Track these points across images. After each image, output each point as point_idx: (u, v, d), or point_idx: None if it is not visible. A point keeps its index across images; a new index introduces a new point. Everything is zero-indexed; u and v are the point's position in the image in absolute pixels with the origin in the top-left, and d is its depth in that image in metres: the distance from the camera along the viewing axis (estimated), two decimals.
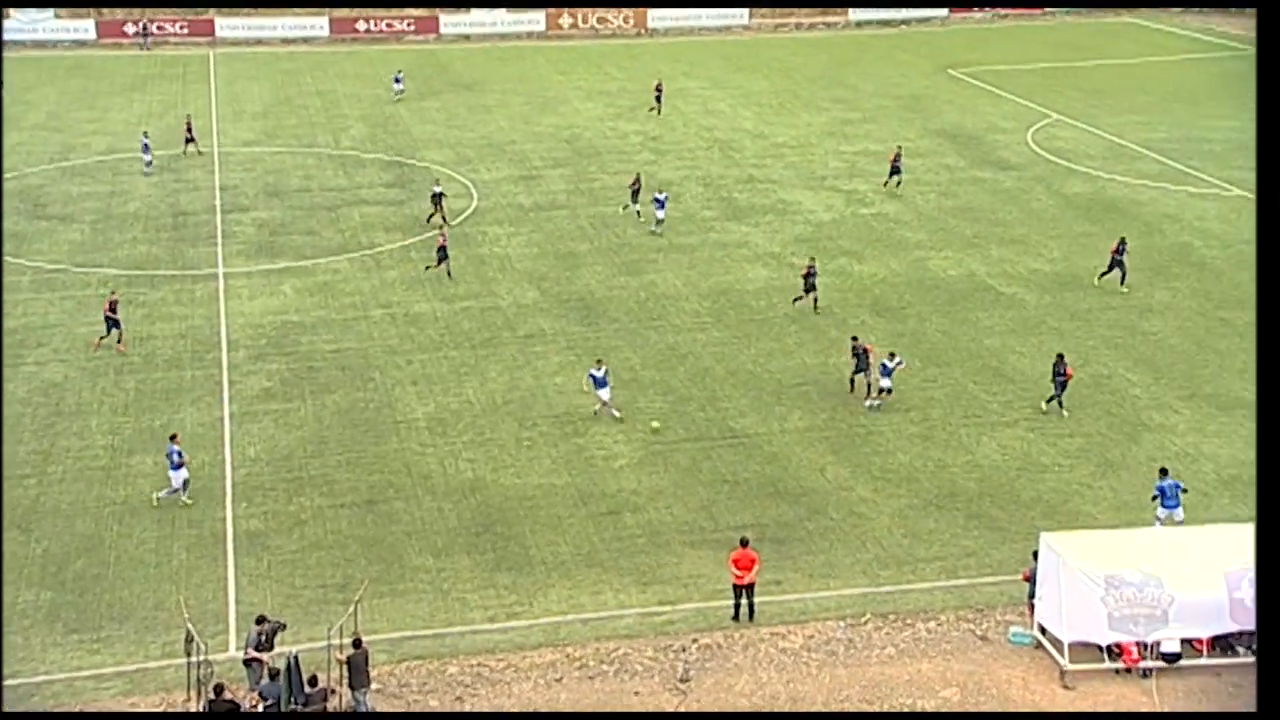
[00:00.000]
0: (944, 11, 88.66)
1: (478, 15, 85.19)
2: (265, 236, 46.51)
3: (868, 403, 33.36)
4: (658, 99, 64.56)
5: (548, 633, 24.94)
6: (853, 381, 33.98)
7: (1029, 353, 36.52)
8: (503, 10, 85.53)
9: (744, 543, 25.34)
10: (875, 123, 62.03)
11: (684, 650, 24.06)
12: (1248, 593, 22.66)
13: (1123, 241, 41.07)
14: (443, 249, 42.39)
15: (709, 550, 27.46)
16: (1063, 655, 23.03)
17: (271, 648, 22.77)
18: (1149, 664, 22.98)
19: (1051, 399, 32.94)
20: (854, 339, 34.41)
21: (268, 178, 53.39)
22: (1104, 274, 40.78)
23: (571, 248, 45.53)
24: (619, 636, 24.79)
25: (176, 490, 29.07)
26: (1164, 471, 27.50)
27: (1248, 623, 22.84)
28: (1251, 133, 58.16)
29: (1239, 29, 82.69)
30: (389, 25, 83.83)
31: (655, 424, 32.26)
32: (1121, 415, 32.87)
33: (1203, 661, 23.05)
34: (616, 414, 32.83)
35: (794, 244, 45.59)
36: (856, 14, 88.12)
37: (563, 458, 31.37)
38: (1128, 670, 22.96)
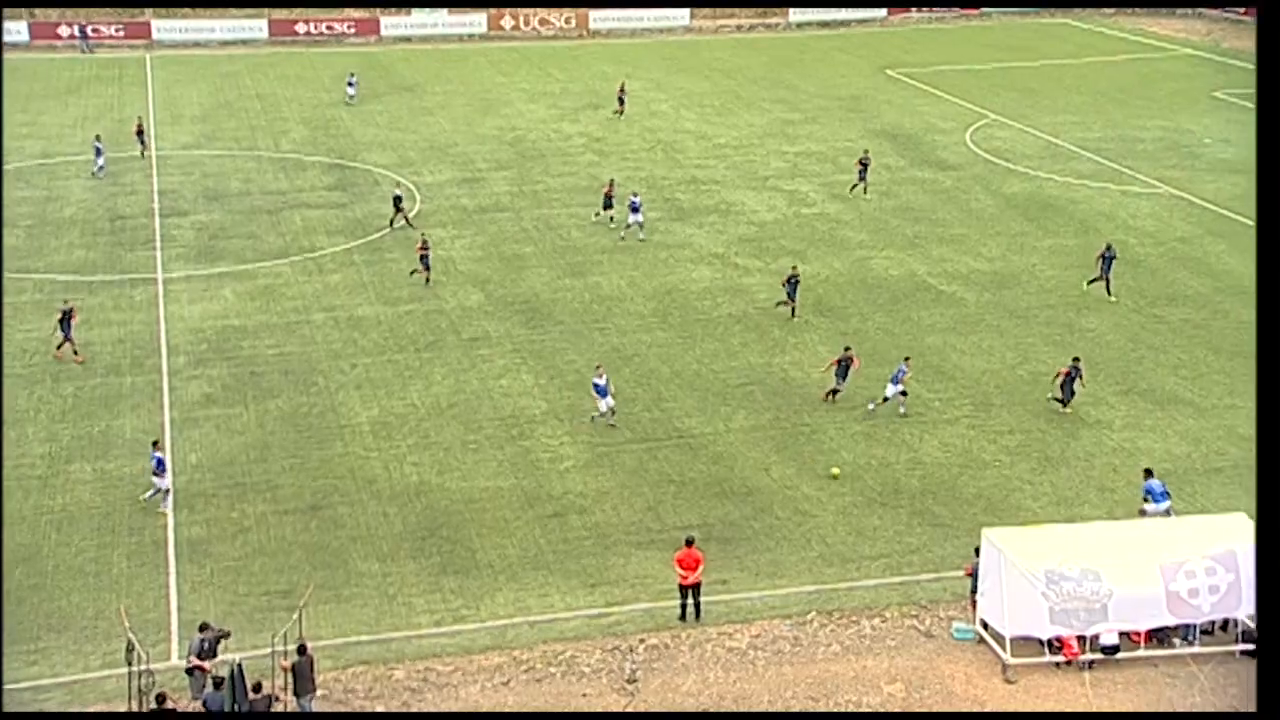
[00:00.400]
0: (882, 12, 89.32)
1: (419, 17, 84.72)
2: (205, 240, 45.97)
3: (871, 405, 33.38)
4: (621, 100, 64.52)
5: (495, 636, 24.86)
6: (834, 392, 33.50)
7: (969, 350, 36.89)
8: (444, 11, 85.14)
9: (689, 542, 25.38)
10: (816, 123, 62.40)
11: (631, 651, 24.07)
12: (1183, 585, 23.04)
13: (1109, 247, 40.47)
14: (425, 254, 41.98)
15: (656, 551, 27.49)
16: (1005, 649, 23.29)
17: (214, 656, 22.51)
18: (1089, 657, 23.30)
19: (1066, 403, 32.72)
20: (846, 349, 33.93)
21: (207, 181, 52.77)
22: (1093, 280, 40.34)
23: (516, 250, 45.40)
24: (566, 638, 24.75)
25: (158, 491, 28.80)
26: (1149, 472, 27.76)
27: (1184, 615, 23.23)
28: (1182, 132, 59.19)
29: (1168, 30, 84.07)
30: (329, 27, 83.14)
31: (835, 470, 30.35)
32: (1060, 411, 33.25)
33: (1140, 654, 23.40)
34: (613, 423, 32.41)
35: (738, 244, 45.75)
36: (796, 15, 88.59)
37: (508, 460, 31.27)
38: (1068, 663, 23.26)
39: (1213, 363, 35.68)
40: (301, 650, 22.22)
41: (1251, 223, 46.63)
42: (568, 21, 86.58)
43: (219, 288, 41.64)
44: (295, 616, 23.56)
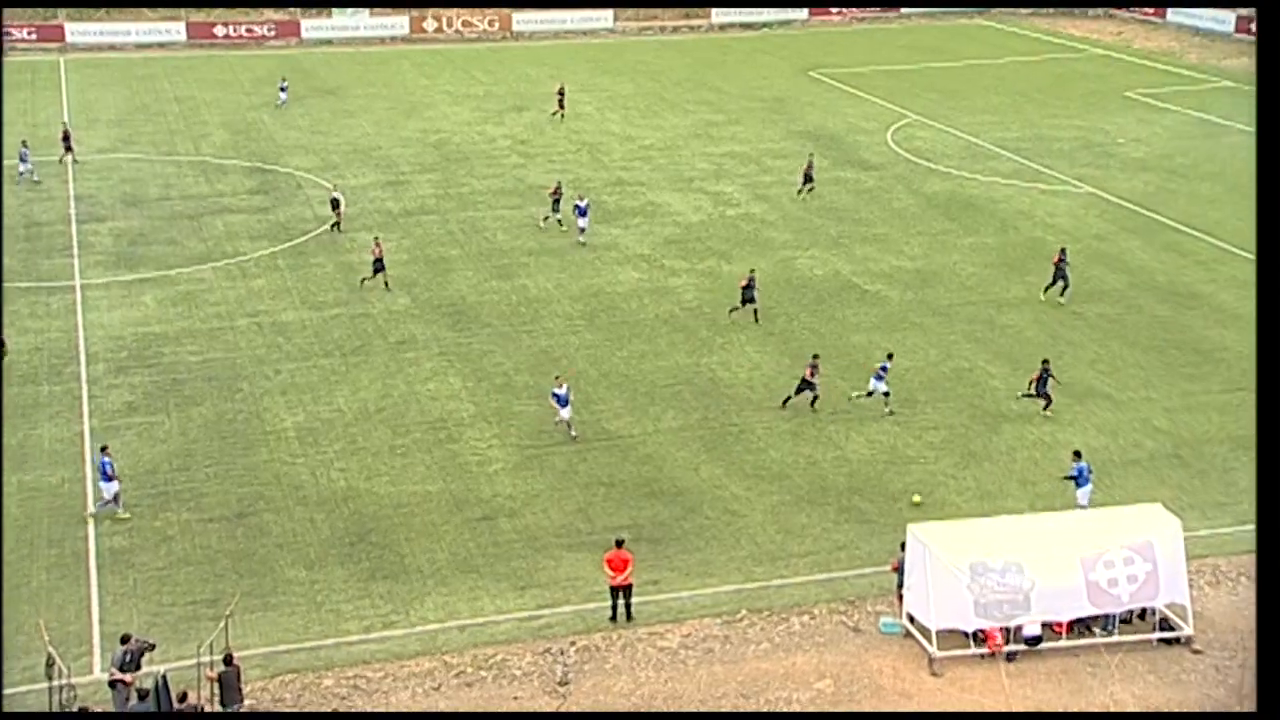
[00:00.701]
0: (804, 14, 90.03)
1: (340, 19, 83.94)
2: (124, 246, 45.16)
3: (854, 394, 33.67)
4: (560, 103, 64.30)
5: (424, 641, 24.69)
6: (811, 402, 33.27)
7: (893, 348, 37.22)
8: (365, 14, 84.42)
9: (618, 543, 25.40)
10: (740, 124, 62.74)
11: (562, 653, 24.03)
12: (1103, 576, 23.48)
13: (1063, 251, 40.53)
14: (379, 260, 41.38)
15: (586, 552, 27.47)
16: (931, 643, 23.57)
17: (138, 668, 22.11)
18: (1012, 648, 23.66)
19: (1048, 404, 32.83)
20: (815, 357, 33.68)
21: (125, 186, 51.85)
22: (1049, 287, 40.31)
23: (442, 253, 45.14)
24: (497, 642, 24.66)
25: (109, 502, 28.26)
26: (1078, 454, 28.35)
27: (1104, 605, 23.66)
28: (1096, 131, 60.29)
29: (1082, 31, 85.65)
30: (249, 30, 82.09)
31: (917, 499, 29.20)
32: (982, 407, 33.76)
33: (1062, 644, 23.80)
34: (574, 434, 32.00)
35: (664, 246, 45.86)
36: (719, 17, 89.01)
37: (437, 464, 31.09)
38: (992, 655, 23.59)
39: (1128, 357, 36.39)
40: (228, 660, 21.92)
41: (1165, 219, 47.66)
42: (491, 24, 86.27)
43: (139, 294, 40.94)
44: (221, 626, 23.23)
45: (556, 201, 47.21)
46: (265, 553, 27.43)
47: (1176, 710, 22.26)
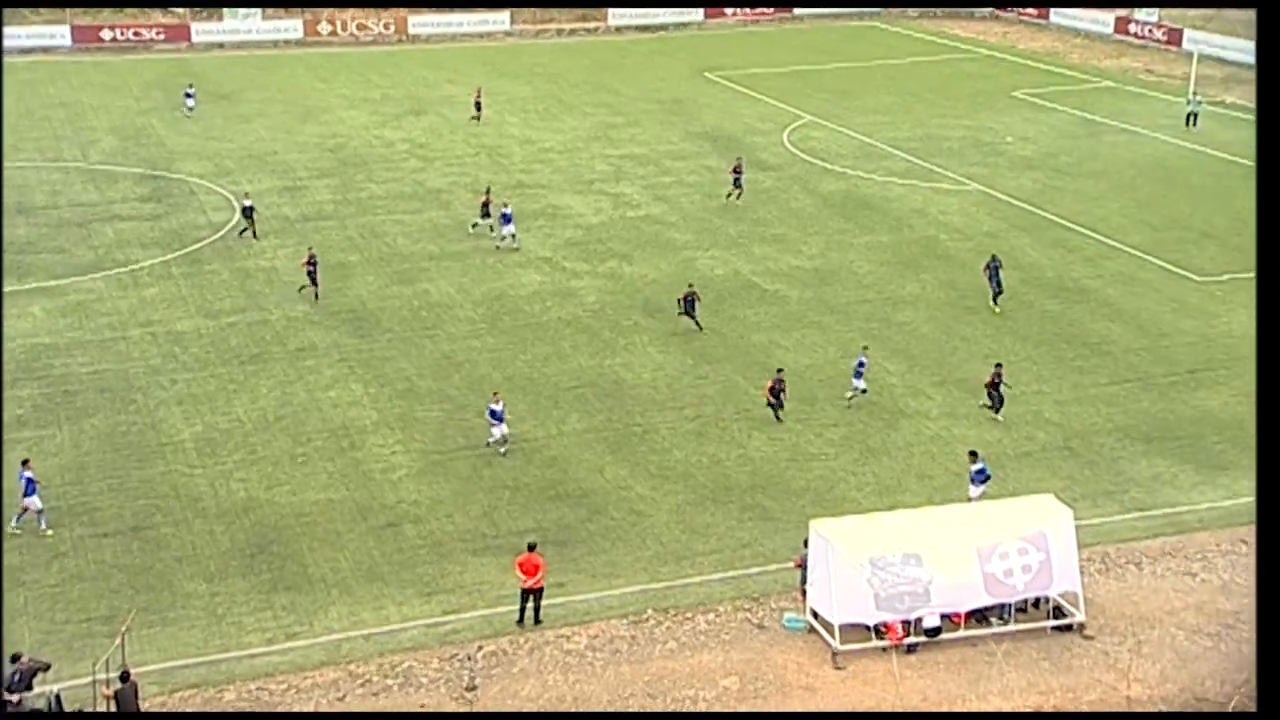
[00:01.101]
0: (699, 16, 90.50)
1: (230, 23, 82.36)
2: (10, 256, 43.80)
3: (849, 394, 33.76)
4: (478, 106, 63.68)
5: (329, 651, 24.34)
6: (777, 415, 32.90)
7: (793, 347, 37.64)
8: (258, 17, 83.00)
9: (531, 547, 25.33)
10: (639, 126, 62.86)
11: (469, 659, 23.86)
12: (999, 566, 23.94)
13: (994, 258, 40.49)
14: (312, 269, 40.42)
15: (492, 557, 27.32)
16: (834, 637, 23.83)
17: (30, 688, 21.47)
18: (913, 640, 24.01)
19: (997, 409, 32.78)
20: (779, 371, 33.36)
21: (10, 194, 50.29)
22: (997, 295, 40.18)
23: (341, 259, 44.54)
24: (403, 649, 24.40)
25: (28, 512, 27.36)
26: (974, 455, 28.69)
27: (1000, 595, 24.13)
28: (984, 130, 61.49)
29: (969, 32, 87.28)
30: (136, 34, 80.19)
31: None
32: (880, 403, 34.22)
33: (960, 634, 24.21)
34: (502, 451, 31.28)
35: (565, 248, 45.77)
36: (616, 19, 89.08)
37: (339, 472, 30.66)
38: (894, 647, 23.92)
39: (1020, 351, 37.15)
40: (124, 677, 21.40)
41: (1052, 216, 48.75)
42: (386, 27, 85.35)
43: (27, 305, 39.76)
44: (117, 643, 22.66)
45: (486, 207, 46.63)
46: (163, 567, 26.81)
47: (1063, 692, 22.78)
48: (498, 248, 45.14)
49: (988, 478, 28.36)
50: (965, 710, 22.39)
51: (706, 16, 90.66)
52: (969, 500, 28.26)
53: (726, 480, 30.50)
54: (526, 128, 62.91)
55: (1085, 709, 22.27)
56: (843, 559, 23.65)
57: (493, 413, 31.46)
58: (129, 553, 27.25)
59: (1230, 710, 20.82)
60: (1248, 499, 29.28)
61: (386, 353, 37.14)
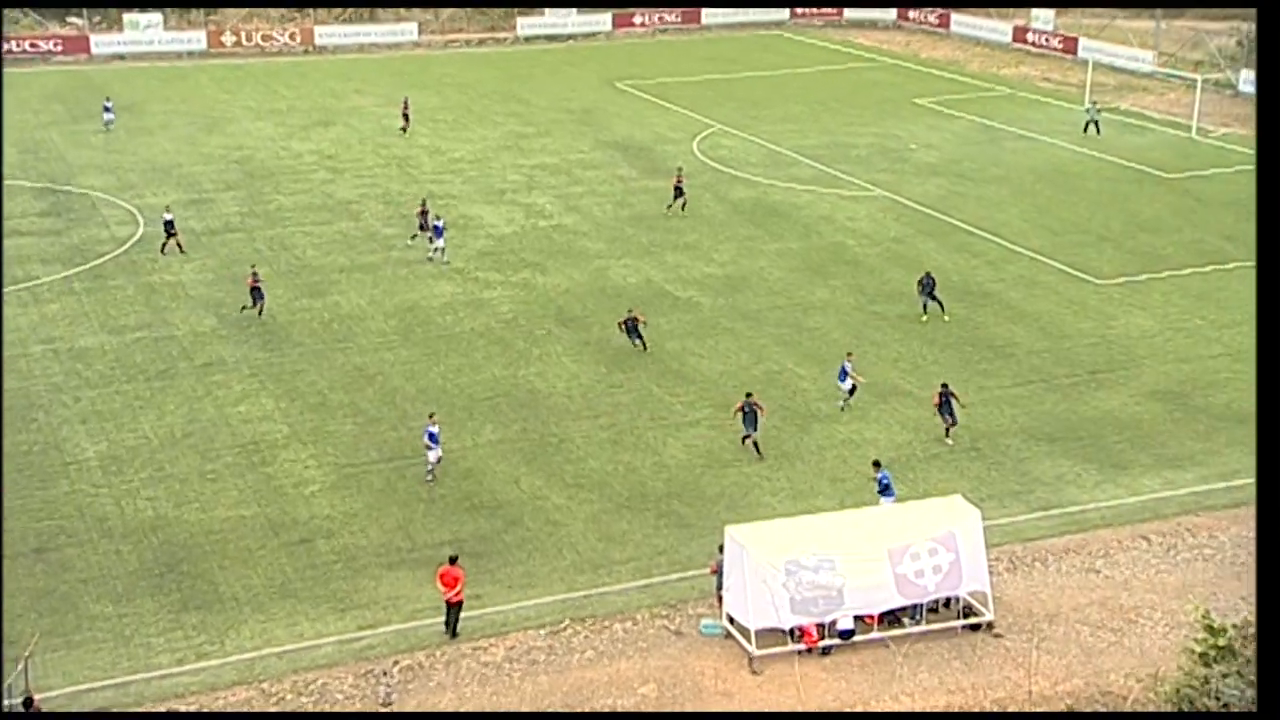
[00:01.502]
0: (608, 25, 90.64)
1: (131, 34, 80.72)
2: None
3: (840, 405, 33.96)
4: (405, 117, 62.91)
5: (241, 670, 23.90)
6: (749, 440, 31.48)
7: (706, 354, 37.79)
8: (159, 28, 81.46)
9: (452, 560, 25.19)
10: (550, 136, 62.76)
11: (385, 674, 23.57)
12: (910, 568, 24.22)
13: (928, 274, 40.45)
14: (256, 286, 39.44)
15: (407, 570, 27.03)
16: (750, 642, 23.92)
17: None
18: (827, 642, 24.19)
19: (949, 429, 32.34)
20: (748, 395, 31.88)
21: None
22: (941, 307, 40.25)
23: (249, 271, 43.76)
24: (317, 666, 24.03)
25: None
26: (877, 464, 28.82)
27: (912, 596, 24.42)
28: (889, 137, 62.34)
29: (872, 41, 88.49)
30: (33, 45, 78.24)
31: None
32: (793, 408, 34.48)
33: (874, 636, 24.44)
34: (430, 478, 30.33)
35: (477, 258, 45.51)
36: (525, 29, 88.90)
37: (250, 488, 30.14)
38: (809, 650, 24.08)
39: (928, 355, 37.67)
40: (27, 703, 20.82)
41: (956, 222, 49.55)
42: (292, 38, 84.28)
43: None
44: (20, 668, 22.03)
45: (424, 217, 46.00)
46: (67, 589, 26.13)
47: (972, 690, 23.12)
48: (430, 259, 44.63)
49: (886, 488, 28.20)
50: (880, 711, 22.61)
51: (615, 27, 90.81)
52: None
53: (642, 488, 30.51)
54: (436, 138, 62.51)
55: (993, 707, 22.60)
56: (758, 564, 23.76)
57: (430, 435, 30.40)
58: (32, 575, 26.52)
59: (1130, 702, 21.27)
60: (1147, 496, 30.02)
61: (297, 366, 36.61)
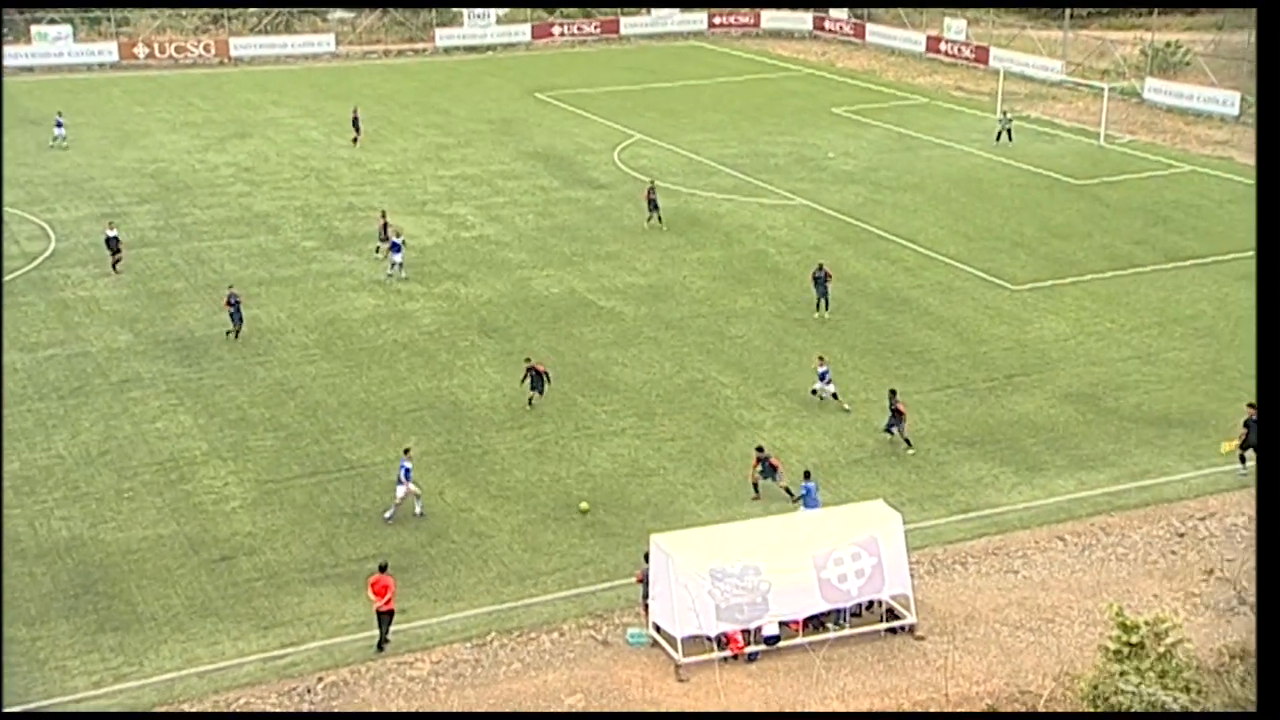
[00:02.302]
0: (526, 36, 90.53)
1: (40, 46, 79.11)
2: None
3: (847, 407, 34.45)
4: (356, 127, 62.04)
5: (161, 691, 23.44)
6: (756, 487, 30.31)
7: (630, 363, 37.82)
8: (69, 40, 79.90)
9: (382, 568, 25.07)
10: (470, 146, 62.50)
11: (309, 691, 23.27)
12: (833, 572, 24.41)
13: (820, 267, 41.01)
14: (235, 307, 38.28)
15: (331, 586, 26.71)
16: (676, 650, 23.95)
17: None
18: (753, 649, 24.29)
19: (895, 435, 32.36)
20: (759, 450, 30.15)
21: None
22: (819, 305, 40.85)
23: (166, 286, 43.10)
24: (239, 685, 23.65)
25: None
26: (807, 474, 29.01)
27: (835, 600, 24.61)
28: (808, 146, 62.93)
29: (789, 52, 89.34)
30: None
31: (584, 505, 29.42)
32: (716, 416, 34.62)
33: (798, 641, 24.57)
34: (388, 516, 29.05)
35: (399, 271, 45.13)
36: (443, 40, 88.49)
37: (169, 506, 29.60)
38: (735, 657, 24.17)
39: (849, 361, 38.04)
40: None
41: (873, 229, 50.11)
42: (206, 49, 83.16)
43: None
44: None
45: (385, 230, 45.26)
46: None
47: (895, 693, 23.37)
48: (388, 276, 43.75)
49: (808, 498, 28.29)
50: (809, 710, 22.76)
51: (534, 37, 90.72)
52: None
53: (568, 498, 30.44)
54: (356, 149, 61.94)
55: (914, 709, 22.84)
56: (683, 572, 23.81)
57: (406, 471, 29.09)
58: None
59: (1045, 701, 21.63)
60: (1063, 497, 30.55)
61: (216, 381, 36.05)
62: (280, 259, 46.06)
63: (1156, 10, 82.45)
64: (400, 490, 29.18)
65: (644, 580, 25.04)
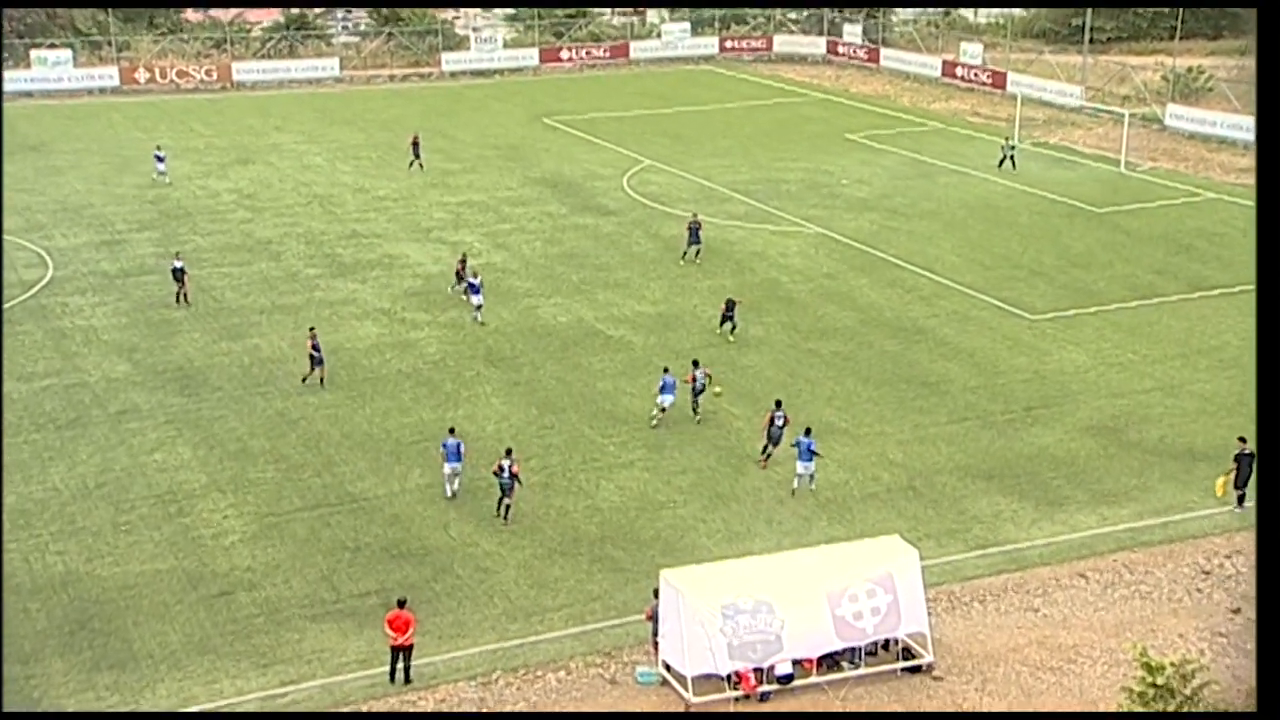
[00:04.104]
0: (534, 61, 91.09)
1: (39, 70, 79.78)
2: None
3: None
4: (416, 153, 62.21)
5: None
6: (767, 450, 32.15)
7: (639, 393, 37.81)
8: (69, 65, 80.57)
9: (401, 603, 25.00)
10: (476, 173, 62.78)
11: None
12: (848, 610, 24.33)
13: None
14: (316, 352, 37.60)
15: (332, 623, 26.66)
16: (687, 689, 23.85)
17: None
18: (766, 688, 24.18)
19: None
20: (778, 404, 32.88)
21: None
22: (722, 327, 41.54)
23: (165, 315, 43.27)
24: None
25: None
26: (808, 431, 30.80)
27: (850, 639, 24.50)
28: (821, 173, 63.14)
29: (803, 76, 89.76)
30: None
31: (718, 390, 34.35)
32: (727, 448, 34.58)
33: (812, 680, 24.45)
34: (450, 495, 30.37)
35: (404, 298, 45.29)
36: (450, 64, 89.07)
37: (167, 540, 29.60)
38: (746, 697, 24.06)
39: (862, 392, 38.02)
40: None
41: (888, 257, 50.18)
42: (209, 74, 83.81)
43: None
44: None
45: (463, 271, 45.07)
46: None
47: None
48: (475, 320, 42.83)
49: (808, 452, 31.02)
50: None
51: (541, 62, 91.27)
52: (797, 475, 31.34)
53: (575, 532, 30.39)
54: (360, 175, 62.30)
55: None
56: (694, 609, 23.73)
57: (457, 448, 31.29)
58: None
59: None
60: (1084, 533, 30.42)
61: (216, 412, 36.12)
62: (282, 287, 46.21)
63: (1178, 36, 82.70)
64: (447, 469, 31.25)
65: (654, 617, 24.96)
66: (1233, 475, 30.35)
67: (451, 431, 32.07)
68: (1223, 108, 71.53)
